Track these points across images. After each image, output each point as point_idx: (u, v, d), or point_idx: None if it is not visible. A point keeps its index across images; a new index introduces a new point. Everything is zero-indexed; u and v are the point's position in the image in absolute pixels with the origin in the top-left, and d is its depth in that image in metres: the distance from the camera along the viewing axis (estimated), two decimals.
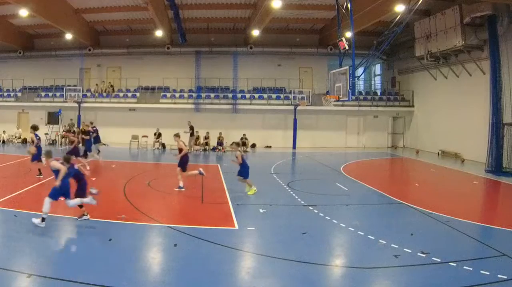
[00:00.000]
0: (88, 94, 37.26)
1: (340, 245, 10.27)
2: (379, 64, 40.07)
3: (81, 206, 11.07)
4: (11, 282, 7.19)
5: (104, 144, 27.40)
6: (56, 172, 10.78)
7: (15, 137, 36.16)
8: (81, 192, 11.32)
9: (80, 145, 22.74)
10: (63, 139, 34.37)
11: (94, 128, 25.05)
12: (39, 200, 12.56)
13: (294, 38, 37.03)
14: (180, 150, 15.69)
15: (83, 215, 11.07)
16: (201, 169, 15.70)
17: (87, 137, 23.42)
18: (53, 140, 35.20)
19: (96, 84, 38.34)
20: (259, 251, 9.27)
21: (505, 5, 22.02)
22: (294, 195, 15.48)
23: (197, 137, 31.87)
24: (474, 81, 26.35)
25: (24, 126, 36.62)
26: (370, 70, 40.13)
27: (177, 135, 16.73)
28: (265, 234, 10.68)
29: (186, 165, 15.94)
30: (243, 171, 15.18)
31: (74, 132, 32.15)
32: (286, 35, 36.79)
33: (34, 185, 15.89)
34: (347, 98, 23.12)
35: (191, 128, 30.62)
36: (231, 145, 19.45)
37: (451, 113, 28.71)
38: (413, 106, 34.55)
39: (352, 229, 10.87)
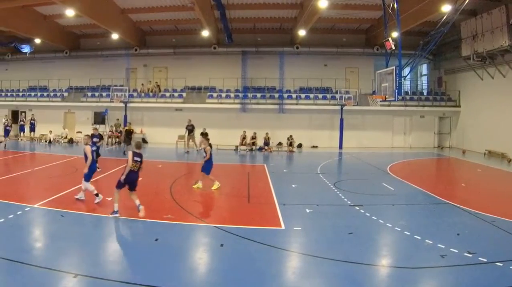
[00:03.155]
0: (135, 94, 41.22)
1: (386, 245, 11.07)
2: (426, 64, 42.77)
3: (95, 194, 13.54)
4: (57, 282, 7.91)
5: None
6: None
7: (62, 137, 39.75)
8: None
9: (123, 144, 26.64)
10: (110, 139, 38.30)
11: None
12: (85, 200, 14.50)
13: (341, 38, 39.94)
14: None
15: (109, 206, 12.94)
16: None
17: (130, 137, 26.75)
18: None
19: (142, 84, 42.39)
20: (306, 251, 10.04)
21: None
22: (340, 194, 16.59)
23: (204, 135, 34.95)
24: None
25: (70, 126, 41.35)
26: (417, 70, 42.76)
27: (204, 135, 18.14)
28: (312, 234, 11.46)
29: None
30: (207, 167, 16.48)
31: (120, 132, 36.79)
32: (332, 35, 39.78)
33: (80, 185, 16.74)
34: (393, 98, 25.27)
35: (191, 126, 33.39)
36: (201, 134, 20.62)
37: (497, 113, 30.53)
38: (459, 106, 36.95)
39: (399, 229, 11.73)
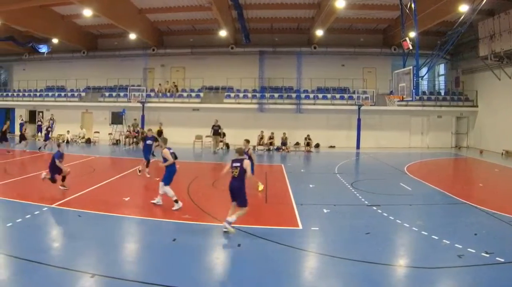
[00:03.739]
0: (152, 94, 42.37)
1: (403, 245, 11.25)
2: (443, 64, 43.62)
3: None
4: (75, 282, 8.11)
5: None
6: (165, 160, 13.72)
7: (79, 137, 40.94)
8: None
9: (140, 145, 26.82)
10: (127, 139, 39.32)
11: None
12: (102, 200, 14.96)
13: (358, 38, 40.79)
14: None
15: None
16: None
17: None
18: (117, 140, 40.08)
19: (160, 84, 43.63)
20: (323, 251, 10.24)
21: None
22: (357, 194, 16.82)
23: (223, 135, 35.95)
24: None
25: (88, 126, 42.61)
26: (434, 70, 43.63)
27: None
28: (329, 234, 11.66)
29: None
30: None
31: (138, 132, 37.84)
32: (349, 35, 40.64)
33: (97, 185, 17.91)
34: (411, 98, 25.77)
35: (218, 126, 34.40)
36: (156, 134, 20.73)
37: None
38: (477, 106, 37.63)
39: (416, 229, 11.90)
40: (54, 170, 15.64)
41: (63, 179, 15.99)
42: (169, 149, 14.69)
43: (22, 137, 30.95)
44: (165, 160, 14.00)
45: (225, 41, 40.37)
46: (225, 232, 11.21)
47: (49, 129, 32.25)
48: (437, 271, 9.01)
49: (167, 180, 14.07)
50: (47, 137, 31.50)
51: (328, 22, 33.40)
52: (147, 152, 20.07)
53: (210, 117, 37.85)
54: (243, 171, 11.43)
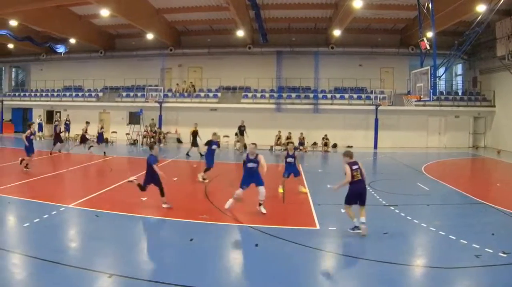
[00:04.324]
0: (169, 94, 43.46)
1: (421, 245, 11.39)
2: (460, 64, 44.45)
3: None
4: (92, 282, 8.28)
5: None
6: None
7: (88, 134, 41.64)
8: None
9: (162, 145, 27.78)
10: (145, 139, 40.28)
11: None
12: (120, 200, 15.29)
13: (375, 38, 41.49)
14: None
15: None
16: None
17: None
18: (134, 140, 41.15)
19: (177, 84, 44.78)
20: (340, 251, 10.51)
21: None
22: (375, 194, 16.98)
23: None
24: None
25: (106, 127, 42.54)
26: (451, 70, 44.37)
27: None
28: (346, 234, 11.70)
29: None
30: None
31: (155, 132, 38.80)
32: (367, 35, 41.36)
33: (115, 185, 18.17)
34: (428, 98, 26.26)
35: (244, 127, 35.43)
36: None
37: None
38: (494, 106, 38.27)
39: (433, 229, 12.05)
40: (150, 177, 14.18)
41: (162, 192, 14.17)
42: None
43: (83, 138, 30.80)
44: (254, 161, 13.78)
45: (243, 41, 41.12)
46: (357, 232, 11.45)
47: (101, 131, 31.58)
48: (454, 271, 9.17)
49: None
50: (100, 140, 31.12)
51: (346, 22, 33.98)
52: (211, 157, 19.89)
53: (227, 117, 39.08)
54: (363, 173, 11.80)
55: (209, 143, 19.86)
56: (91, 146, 30.16)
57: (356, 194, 11.64)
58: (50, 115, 47.94)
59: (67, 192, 17.34)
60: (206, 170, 19.70)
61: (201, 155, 27.87)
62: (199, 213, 13.52)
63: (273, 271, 9.10)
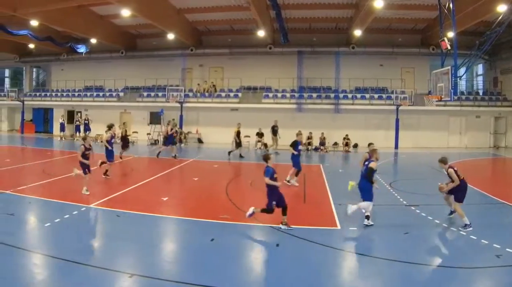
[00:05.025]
0: (190, 94, 44.83)
1: (442, 244, 11.68)
2: (481, 64, 45.18)
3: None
4: (113, 282, 8.49)
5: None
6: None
7: (117, 137, 41.96)
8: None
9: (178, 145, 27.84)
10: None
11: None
12: (140, 200, 15.76)
13: (396, 38, 42.18)
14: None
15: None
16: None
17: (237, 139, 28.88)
18: (155, 140, 42.21)
19: (198, 84, 46.15)
20: (361, 251, 10.63)
21: None
22: (396, 194, 17.41)
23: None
24: None
25: (126, 126, 44.27)
26: (472, 70, 45.00)
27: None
28: (367, 234, 12.05)
29: None
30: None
31: (176, 132, 39.57)
32: (388, 35, 42.07)
33: (136, 185, 18.72)
34: (449, 98, 26.40)
35: (277, 127, 35.71)
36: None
37: None
38: None
39: (454, 229, 12.34)
40: (271, 194, 12.41)
41: (284, 210, 12.43)
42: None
43: (125, 142, 29.42)
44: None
45: (263, 41, 42.02)
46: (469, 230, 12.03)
47: (173, 133, 30.24)
48: (475, 271, 9.35)
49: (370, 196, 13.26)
50: (169, 141, 29.61)
51: (367, 22, 34.79)
52: (299, 159, 19.49)
53: (248, 118, 39.82)
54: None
55: (295, 144, 19.54)
56: (159, 152, 29.42)
57: (465, 190, 12.62)
58: (71, 116, 49.46)
59: (88, 192, 17.31)
60: (297, 173, 19.32)
61: (241, 156, 29.35)
62: (220, 213, 13.79)
63: (294, 271, 9.34)
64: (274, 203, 12.20)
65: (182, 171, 24.52)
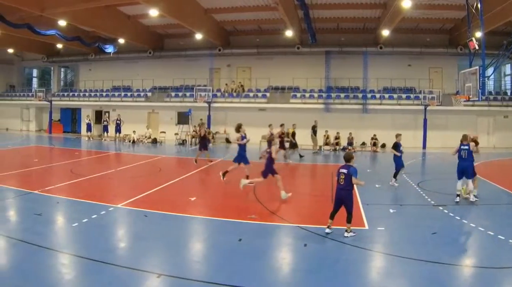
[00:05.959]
0: (218, 94, 46.40)
1: (469, 245, 11.78)
2: (509, 64, 45.68)
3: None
4: (141, 282, 8.69)
5: None
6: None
7: (145, 137, 44.65)
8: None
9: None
10: (193, 139, 42.77)
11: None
12: (168, 200, 16.06)
13: (424, 38, 43.08)
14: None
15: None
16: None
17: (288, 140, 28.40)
18: (183, 140, 43.75)
19: (226, 84, 47.80)
20: (389, 251, 10.74)
21: None
22: (424, 194, 17.66)
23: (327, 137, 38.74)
24: None
25: (154, 126, 46.66)
26: (500, 70, 45.52)
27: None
28: (395, 234, 12.23)
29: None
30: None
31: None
32: (415, 35, 43.00)
33: (164, 185, 19.00)
34: (477, 98, 27.21)
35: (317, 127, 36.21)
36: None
37: None
38: None
39: (482, 229, 12.35)
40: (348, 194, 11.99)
41: (350, 218, 11.95)
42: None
43: (204, 142, 27.89)
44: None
45: (291, 41, 43.16)
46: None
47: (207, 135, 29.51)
48: (503, 271, 9.40)
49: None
50: (204, 145, 27.87)
51: (394, 22, 35.48)
52: (401, 158, 20.16)
53: (276, 118, 39.64)
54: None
55: (396, 145, 20.21)
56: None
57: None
58: (98, 115, 51.27)
59: (116, 191, 18.29)
60: (396, 174, 20.07)
61: (301, 156, 30.24)
62: (248, 213, 14.00)
63: (322, 271, 9.46)
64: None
65: (210, 171, 24.94)
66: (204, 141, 27.80)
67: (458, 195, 15.94)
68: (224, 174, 20.04)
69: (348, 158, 12.29)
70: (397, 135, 20.55)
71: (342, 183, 11.86)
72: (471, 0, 27.43)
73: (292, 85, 45.30)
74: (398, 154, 19.91)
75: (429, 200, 16.89)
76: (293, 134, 30.13)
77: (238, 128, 20.79)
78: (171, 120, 47.02)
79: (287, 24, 37.37)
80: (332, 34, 44.66)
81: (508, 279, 9.19)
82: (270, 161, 16.79)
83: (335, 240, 11.39)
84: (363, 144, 40.90)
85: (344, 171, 11.91)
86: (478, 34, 27.32)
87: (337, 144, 38.55)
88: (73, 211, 14.40)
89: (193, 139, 42.50)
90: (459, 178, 16.32)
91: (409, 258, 10.16)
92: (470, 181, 16.03)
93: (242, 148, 20.33)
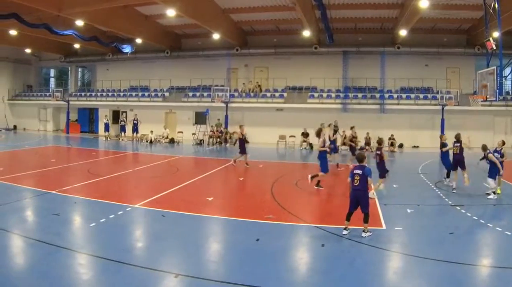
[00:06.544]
0: (236, 94, 47.34)
1: (487, 245, 11.86)
2: None
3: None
4: (159, 282, 8.92)
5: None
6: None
7: (163, 137, 45.63)
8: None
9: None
10: (211, 139, 43.94)
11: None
12: (186, 200, 16.35)
13: (441, 38, 43.49)
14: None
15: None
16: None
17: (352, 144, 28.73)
18: (200, 140, 44.62)
19: (243, 84, 48.77)
20: (407, 251, 10.88)
21: None
22: (441, 194, 18.00)
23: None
24: None
25: (172, 126, 47.83)
26: None
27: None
28: (413, 234, 12.42)
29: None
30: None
31: (221, 132, 42.40)
32: (433, 35, 43.43)
33: (181, 185, 19.35)
34: (494, 98, 26.91)
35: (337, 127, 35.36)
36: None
37: None
38: None
39: (500, 229, 12.52)
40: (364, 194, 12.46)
41: (366, 218, 12.23)
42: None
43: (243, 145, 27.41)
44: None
45: (309, 41, 43.89)
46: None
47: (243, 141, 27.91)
48: None
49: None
50: (243, 147, 27.23)
51: (412, 22, 35.93)
52: (449, 159, 20.61)
53: (293, 118, 42.62)
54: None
55: (443, 145, 21.04)
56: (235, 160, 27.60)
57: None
58: (116, 116, 52.50)
59: (133, 191, 18.74)
60: (448, 173, 20.71)
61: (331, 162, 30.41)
62: (265, 213, 14.31)
63: (339, 271, 9.75)
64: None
65: (227, 171, 25.43)
66: (243, 144, 27.29)
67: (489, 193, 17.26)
68: (315, 180, 19.23)
69: (361, 158, 12.74)
70: (441, 136, 21.85)
71: (357, 184, 12.16)
72: (488, 0, 27.57)
73: (310, 85, 45.96)
74: (449, 149, 20.69)
75: (446, 200, 17.20)
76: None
77: (319, 132, 19.47)
78: (189, 120, 48.25)
79: (305, 24, 37.91)
80: (349, 34, 45.06)
81: None
82: (380, 161, 18.19)
83: (352, 240, 11.69)
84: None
85: (359, 171, 12.21)
86: (496, 34, 27.50)
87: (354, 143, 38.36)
88: (90, 211, 14.87)
89: (211, 139, 43.75)
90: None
91: (426, 258, 10.38)
92: (491, 179, 16.88)
93: (323, 154, 19.43)
